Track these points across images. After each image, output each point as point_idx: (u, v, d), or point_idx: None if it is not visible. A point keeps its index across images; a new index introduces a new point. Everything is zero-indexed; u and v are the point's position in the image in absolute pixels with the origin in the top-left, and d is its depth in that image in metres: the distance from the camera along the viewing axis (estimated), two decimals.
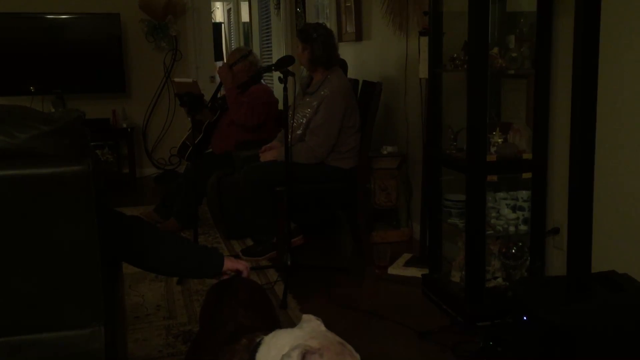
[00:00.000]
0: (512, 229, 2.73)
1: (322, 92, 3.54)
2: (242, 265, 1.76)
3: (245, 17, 9.52)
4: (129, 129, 5.84)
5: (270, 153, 3.68)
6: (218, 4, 11.41)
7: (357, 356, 1.13)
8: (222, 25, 10.23)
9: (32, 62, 5.66)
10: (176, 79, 4.87)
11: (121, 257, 1.71)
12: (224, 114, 4.44)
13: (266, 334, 1.19)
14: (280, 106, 4.17)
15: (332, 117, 3.50)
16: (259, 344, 1.17)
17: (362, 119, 3.64)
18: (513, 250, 2.69)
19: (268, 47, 7.64)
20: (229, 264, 1.73)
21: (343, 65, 3.92)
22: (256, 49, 8.12)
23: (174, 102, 5.90)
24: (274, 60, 3.59)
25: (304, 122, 3.58)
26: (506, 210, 2.75)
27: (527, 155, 2.67)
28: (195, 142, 4.31)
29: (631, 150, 2.24)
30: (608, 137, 2.33)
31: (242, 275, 1.76)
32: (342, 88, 3.57)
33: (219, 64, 8.63)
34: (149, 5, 5.90)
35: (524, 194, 2.74)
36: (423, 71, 3.25)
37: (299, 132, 3.59)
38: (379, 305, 2.95)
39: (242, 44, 9.81)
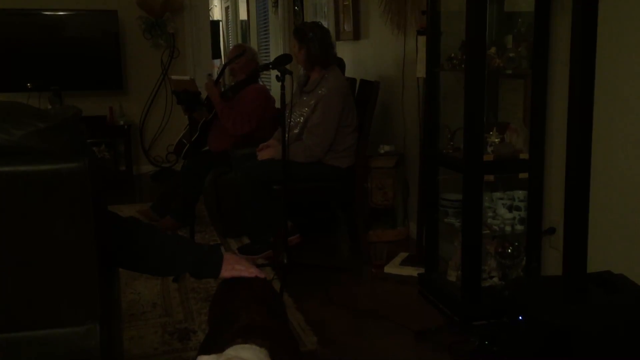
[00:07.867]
0: (508, 228, 2.73)
1: (320, 91, 3.54)
2: (237, 271, 1.59)
3: (243, 14, 9.51)
4: (126, 126, 5.84)
5: (268, 151, 3.68)
6: (216, 2, 11.39)
7: None
8: (220, 23, 10.21)
9: (29, 59, 5.65)
10: (174, 77, 4.84)
11: (117, 262, 1.66)
12: None
13: (260, 342, 1.18)
14: (278, 105, 4.17)
15: (329, 116, 3.49)
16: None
17: (360, 118, 3.64)
18: (509, 250, 2.70)
19: (266, 45, 7.64)
20: (227, 271, 1.59)
21: (340, 64, 3.91)
22: (254, 47, 8.11)
23: (172, 99, 5.88)
24: (272, 59, 3.59)
25: (301, 121, 3.58)
26: (503, 210, 2.76)
27: (524, 155, 2.67)
28: (192, 140, 4.30)
29: (628, 151, 2.24)
30: (605, 137, 2.34)
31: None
32: (340, 87, 3.56)
33: (217, 62, 8.65)
34: (146, 2, 5.88)
35: (520, 193, 2.74)
36: (421, 70, 3.25)
37: (296, 131, 3.58)
38: (376, 304, 2.96)
39: (240, 41, 9.80)
